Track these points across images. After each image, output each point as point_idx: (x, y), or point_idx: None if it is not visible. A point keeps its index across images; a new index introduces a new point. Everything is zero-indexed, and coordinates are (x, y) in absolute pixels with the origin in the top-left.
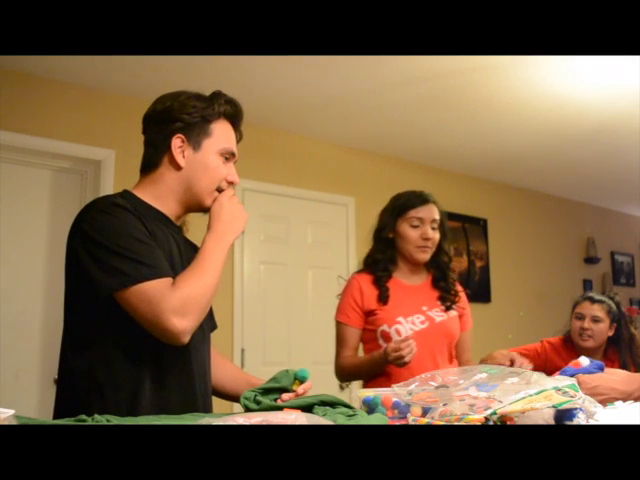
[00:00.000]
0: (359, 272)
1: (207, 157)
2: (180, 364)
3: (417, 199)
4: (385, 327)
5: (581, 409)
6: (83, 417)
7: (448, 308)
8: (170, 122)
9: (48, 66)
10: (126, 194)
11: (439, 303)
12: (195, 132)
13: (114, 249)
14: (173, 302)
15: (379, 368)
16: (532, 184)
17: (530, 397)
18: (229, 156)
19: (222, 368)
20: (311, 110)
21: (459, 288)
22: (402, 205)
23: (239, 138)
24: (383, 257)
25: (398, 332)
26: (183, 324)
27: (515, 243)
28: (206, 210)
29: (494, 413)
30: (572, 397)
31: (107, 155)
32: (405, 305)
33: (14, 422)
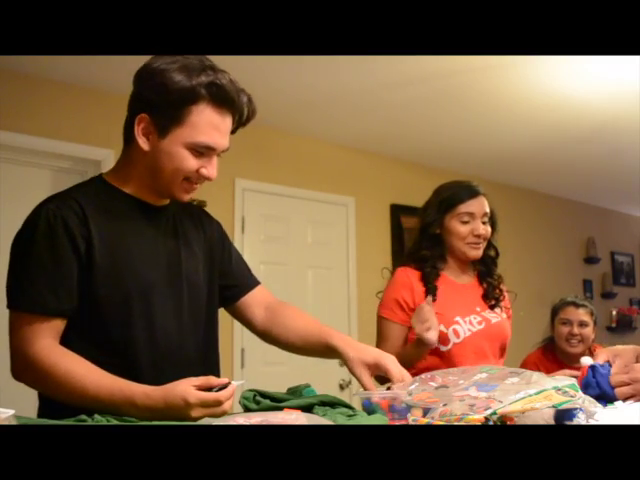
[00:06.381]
0: (405, 266)
1: (171, 147)
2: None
3: (465, 192)
4: (442, 328)
5: (581, 409)
6: (83, 417)
7: (492, 307)
8: (139, 96)
9: (48, 66)
10: (90, 184)
11: (486, 302)
12: (164, 116)
13: (14, 267)
14: (23, 350)
15: (415, 353)
16: (532, 184)
17: (530, 397)
18: (203, 150)
19: (291, 325)
20: (311, 110)
21: (504, 287)
22: (449, 199)
23: (237, 121)
24: (432, 254)
25: (456, 333)
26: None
27: (515, 243)
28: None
29: (494, 413)
30: (572, 397)
31: (107, 155)
32: (460, 305)
33: (14, 422)
